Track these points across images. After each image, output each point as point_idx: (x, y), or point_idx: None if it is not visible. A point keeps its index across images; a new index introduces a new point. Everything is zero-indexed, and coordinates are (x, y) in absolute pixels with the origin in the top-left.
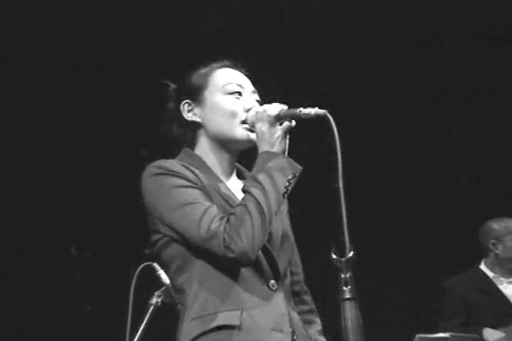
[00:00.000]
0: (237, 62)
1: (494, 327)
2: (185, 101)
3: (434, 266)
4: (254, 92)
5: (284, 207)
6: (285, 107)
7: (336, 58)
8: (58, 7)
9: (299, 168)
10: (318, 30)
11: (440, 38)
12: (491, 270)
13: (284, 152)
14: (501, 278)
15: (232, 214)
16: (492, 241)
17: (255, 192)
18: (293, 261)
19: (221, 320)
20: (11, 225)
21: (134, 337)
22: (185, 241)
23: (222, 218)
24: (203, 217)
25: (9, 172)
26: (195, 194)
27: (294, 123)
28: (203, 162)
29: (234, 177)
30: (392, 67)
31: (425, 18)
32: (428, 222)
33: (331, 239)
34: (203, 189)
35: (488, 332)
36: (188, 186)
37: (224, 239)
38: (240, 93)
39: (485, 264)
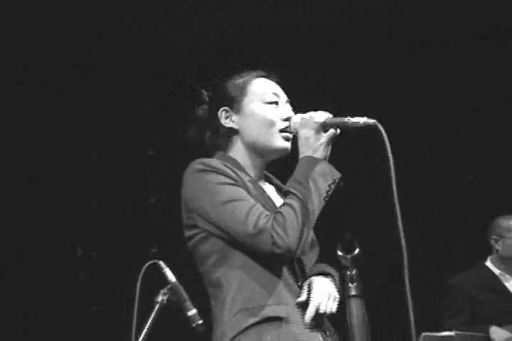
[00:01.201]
0: (271, 72)
1: (500, 324)
2: (223, 109)
3: (441, 263)
4: (288, 102)
5: None
6: (330, 115)
7: (342, 59)
8: (60, 6)
9: (339, 174)
10: (325, 33)
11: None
12: (497, 267)
13: (326, 158)
14: (507, 276)
15: (278, 212)
16: (494, 237)
17: (301, 194)
18: None
19: (270, 311)
20: (16, 226)
21: (140, 335)
22: (228, 237)
23: (268, 215)
24: (249, 214)
25: (15, 173)
26: (240, 191)
27: (338, 131)
28: (239, 164)
29: (264, 183)
30: (399, 66)
31: (429, 19)
32: (434, 219)
33: (337, 236)
34: (245, 188)
35: (495, 331)
36: (232, 184)
37: (272, 236)
38: (277, 103)
39: (491, 261)
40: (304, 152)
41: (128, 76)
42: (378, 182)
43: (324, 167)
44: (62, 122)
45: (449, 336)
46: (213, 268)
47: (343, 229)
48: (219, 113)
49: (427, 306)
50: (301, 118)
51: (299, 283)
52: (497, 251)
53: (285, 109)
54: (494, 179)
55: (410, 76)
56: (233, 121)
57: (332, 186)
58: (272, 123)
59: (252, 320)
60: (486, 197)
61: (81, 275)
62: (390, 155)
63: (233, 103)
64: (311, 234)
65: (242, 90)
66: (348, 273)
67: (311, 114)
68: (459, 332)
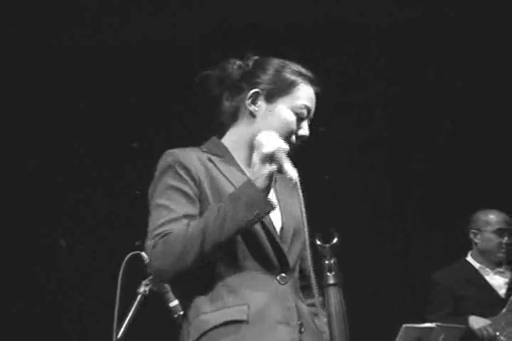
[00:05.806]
0: (315, 79)
1: (481, 317)
2: (256, 90)
3: (424, 256)
4: (310, 119)
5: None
6: (285, 147)
7: None
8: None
9: (270, 207)
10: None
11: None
12: (477, 261)
13: (267, 188)
14: (487, 269)
15: (170, 231)
16: (473, 230)
17: (210, 216)
18: (303, 255)
19: (229, 315)
20: (1, 217)
21: (122, 325)
22: None
23: (167, 234)
24: (162, 225)
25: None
26: (178, 199)
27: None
28: (228, 152)
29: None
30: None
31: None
32: (417, 212)
33: (316, 225)
34: (202, 189)
35: (474, 320)
36: (180, 190)
37: (150, 255)
38: (302, 119)
39: (471, 255)
40: (251, 174)
41: (119, 68)
42: (369, 173)
43: (255, 197)
44: (49, 112)
45: (429, 327)
46: None
47: (322, 218)
48: (250, 92)
49: (409, 298)
50: (259, 139)
51: (280, 275)
52: (476, 244)
53: (304, 125)
54: (477, 174)
55: (409, 67)
56: (257, 107)
57: (257, 218)
58: (289, 134)
59: (210, 325)
60: (467, 192)
61: (64, 266)
62: (303, 206)
63: (270, 92)
64: (296, 223)
65: (287, 88)
66: (327, 262)
67: (265, 141)
68: (440, 324)
